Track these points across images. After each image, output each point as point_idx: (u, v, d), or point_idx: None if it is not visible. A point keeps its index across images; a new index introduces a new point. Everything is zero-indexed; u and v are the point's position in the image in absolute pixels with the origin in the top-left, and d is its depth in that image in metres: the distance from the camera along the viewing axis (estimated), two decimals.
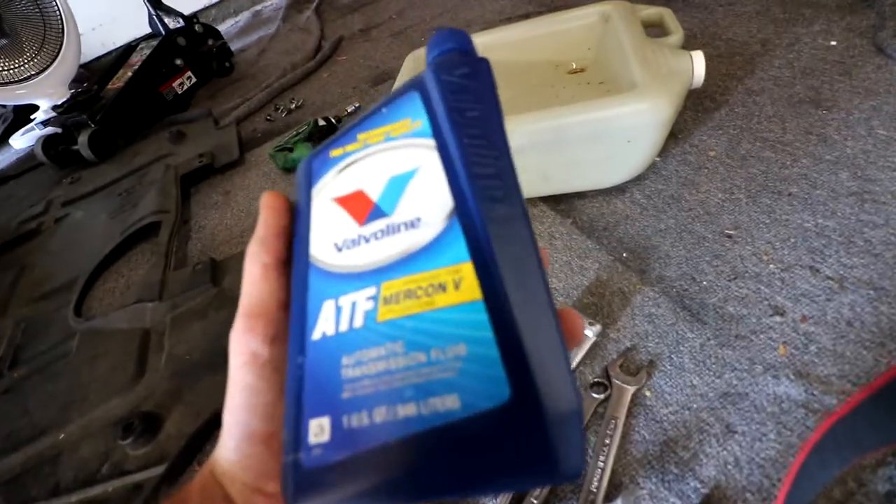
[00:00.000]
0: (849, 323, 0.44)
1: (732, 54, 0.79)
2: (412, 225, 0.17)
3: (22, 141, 1.40)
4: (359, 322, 0.16)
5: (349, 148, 0.20)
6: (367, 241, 0.17)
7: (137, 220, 0.85)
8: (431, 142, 0.18)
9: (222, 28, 1.75)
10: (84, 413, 0.59)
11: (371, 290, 0.16)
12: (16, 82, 1.19)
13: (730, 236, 0.54)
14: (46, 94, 1.27)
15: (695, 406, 0.43)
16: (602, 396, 0.44)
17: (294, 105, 1.09)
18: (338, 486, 0.14)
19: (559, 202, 0.65)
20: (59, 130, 1.21)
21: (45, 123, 1.24)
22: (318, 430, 0.15)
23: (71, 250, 0.90)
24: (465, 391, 0.14)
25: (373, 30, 1.35)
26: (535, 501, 0.39)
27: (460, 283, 0.15)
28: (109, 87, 1.27)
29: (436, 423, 0.14)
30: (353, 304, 0.16)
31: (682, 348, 0.46)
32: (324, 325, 0.16)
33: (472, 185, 0.16)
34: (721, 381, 0.43)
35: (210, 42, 1.38)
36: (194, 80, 1.34)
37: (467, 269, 0.15)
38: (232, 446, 0.17)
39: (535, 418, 0.13)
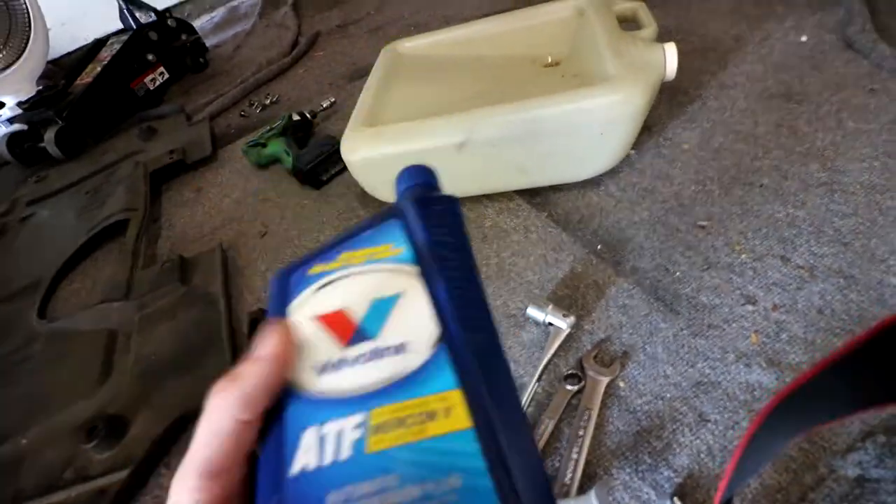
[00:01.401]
0: (819, 311, 0.45)
1: (706, 49, 0.80)
2: (399, 350, 0.17)
3: None
4: (346, 453, 0.15)
5: (329, 266, 0.20)
6: (351, 364, 0.17)
7: (104, 218, 0.83)
8: (414, 269, 0.18)
9: (197, 24, 1.71)
10: (47, 417, 0.57)
11: (358, 418, 0.15)
12: None
13: (703, 227, 0.54)
14: (12, 91, 1.22)
15: (668, 396, 0.42)
16: (576, 388, 0.44)
17: (269, 101, 1.07)
18: None
19: (535, 195, 0.64)
20: (24, 127, 1.16)
21: (10, 120, 1.19)
22: None
23: (36, 251, 0.87)
24: None
25: (350, 26, 1.34)
26: None
27: (450, 411, 0.15)
28: (78, 82, 1.23)
29: None
30: (340, 433, 0.15)
31: (655, 339, 0.46)
32: (304, 457, 0.15)
33: (456, 314, 0.17)
34: (694, 371, 0.43)
35: (184, 37, 1.35)
36: (167, 75, 1.31)
37: (456, 397, 0.15)
38: None
39: None
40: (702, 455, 0.39)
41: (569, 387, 0.44)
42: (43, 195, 1.01)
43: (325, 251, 0.21)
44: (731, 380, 0.42)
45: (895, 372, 0.20)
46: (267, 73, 1.16)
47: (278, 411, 0.16)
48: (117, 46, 1.24)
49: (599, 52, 0.59)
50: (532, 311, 0.49)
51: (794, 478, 0.36)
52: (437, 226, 0.19)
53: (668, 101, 0.72)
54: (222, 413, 0.15)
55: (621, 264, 0.53)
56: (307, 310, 0.19)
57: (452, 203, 0.21)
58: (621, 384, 0.44)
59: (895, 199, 0.51)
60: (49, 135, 1.09)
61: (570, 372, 0.45)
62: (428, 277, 0.18)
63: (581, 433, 0.41)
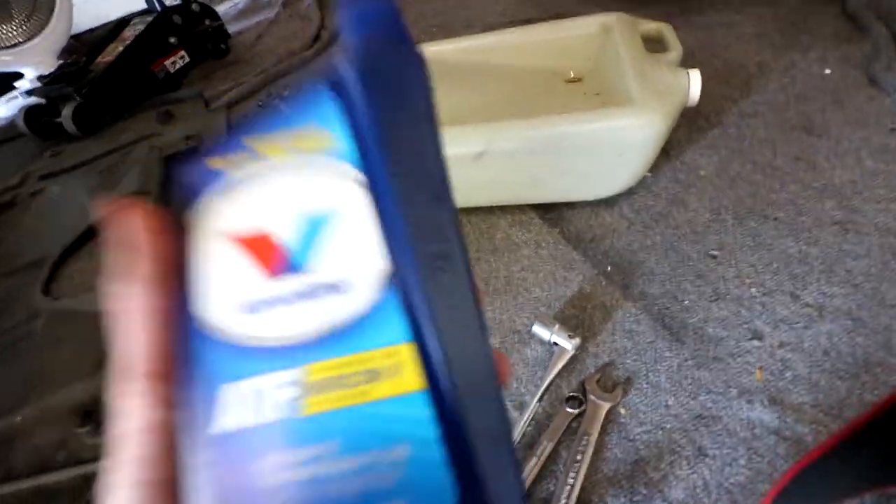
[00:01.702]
0: (825, 352, 0.45)
1: (729, 75, 0.79)
2: (336, 289, 0.13)
3: (3, 109, 1.35)
4: (277, 414, 0.13)
5: (237, 159, 0.14)
6: (280, 304, 0.13)
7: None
8: (355, 173, 0.14)
9: (220, 9, 1.71)
10: (43, 397, 0.57)
11: (292, 373, 0.13)
12: (2, 48, 1.15)
13: (714, 257, 0.54)
14: (33, 63, 1.23)
15: (668, 426, 0.42)
16: (577, 411, 0.44)
17: (287, 93, 1.07)
18: None
19: (548, 210, 0.64)
20: (43, 101, 1.17)
21: (29, 93, 1.20)
22: None
23: (44, 227, 0.87)
24: (409, 499, 0.12)
25: None
26: None
27: (398, 369, 0.13)
28: (99, 60, 1.23)
29: None
30: (269, 391, 0.13)
31: (659, 367, 0.46)
32: (229, 416, 0.13)
33: (412, 244, 0.13)
34: (696, 403, 0.43)
35: (207, 22, 1.35)
36: (188, 59, 1.31)
37: (406, 353, 0.13)
38: None
39: None
40: (697, 490, 0.38)
41: (569, 409, 0.44)
42: (56, 171, 1.01)
43: (230, 136, 0.15)
44: (732, 415, 0.42)
45: None
46: (288, 64, 1.16)
47: (187, 353, 0.13)
48: (141, 27, 1.24)
49: (623, 73, 0.58)
50: (538, 329, 0.49)
51: None
52: (391, 109, 0.13)
53: (688, 126, 0.71)
54: (139, 308, 0.13)
55: (630, 288, 0.53)
56: (215, 223, 0.14)
57: (416, 68, 0.13)
58: (622, 411, 0.44)
59: None
60: (67, 111, 1.10)
61: (571, 394, 0.45)
62: (374, 185, 0.14)
63: (579, 458, 0.41)
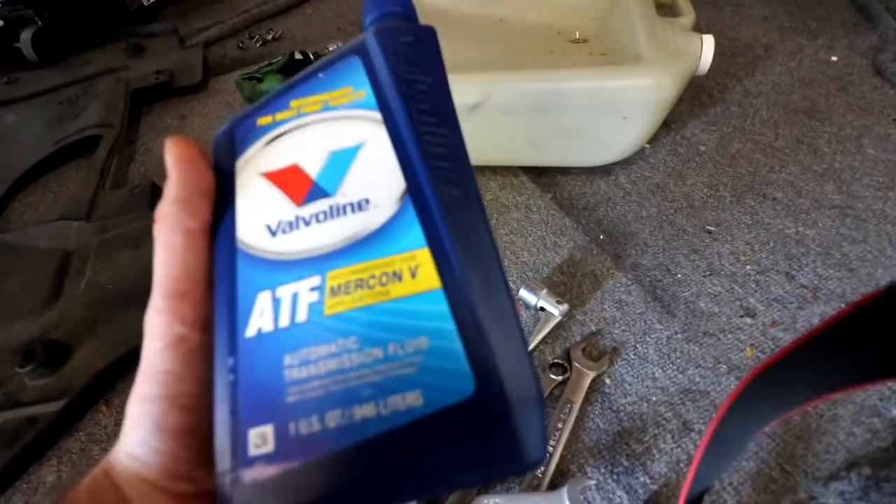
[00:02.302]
0: None
1: (735, 54, 0.77)
2: (359, 207, 0.15)
3: None
4: (302, 316, 0.14)
5: (280, 116, 0.17)
6: (306, 223, 0.15)
7: (75, 131, 0.76)
8: (377, 115, 0.16)
9: None
10: None
11: (315, 280, 0.14)
12: None
13: (710, 232, 0.52)
14: None
15: (654, 399, 0.40)
16: (560, 378, 0.42)
17: (271, 36, 0.99)
18: (292, 498, 0.12)
19: (541, 175, 0.61)
20: (0, 24, 1.06)
21: None
22: (260, 440, 0.13)
23: None
24: (427, 387, 0.13)
25: None
26: None
27: (417, 270, 0.14)
28: None
29: (398, 422, 0.13)
30: (295, 296, 0.14)
31: (648, 338, 0.44)
32: (259, 320, 0.14)
33: (425, 165, 0.15)
34: (683, 377, 0.41)
35: None
36: None
37: (424, 256, 0.14)
38: (138, 440, 0.14)
39: (500, 412, 0.12)
40: (681, 464, 0.37)
41: (553, 376, 0.42)
42: (11, 98, 0.93)
43: (274, 99, 0.18)
44: (720, 391, 0.40)
45: (874, 349, 0.19)
46: (273, 6, 1.08)
47: (230, 273, 0.15)
48: None
49: (633, 33, 0.55)
50: (524, 294, 0.46)
51: (773, 499, 0.35)
52: (405, 62, 0.17)
53: (691, 101, 0.69)
54: (170, 228, 0.15)
55: (622, 258, 0.51)
56: (256, 166, 0.17)
57: (427, 34, 0.18)
58: (607, 381, 0.42)
59: None
60: (25, 35, 1.00)
61: (556, 361, 0.43)
62: (393, 124, 0.16)
63: (560, 426, 0.38)
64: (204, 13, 1.18)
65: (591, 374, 0.41)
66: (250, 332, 0.14)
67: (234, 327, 0.14)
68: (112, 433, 0.44)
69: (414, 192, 0.15)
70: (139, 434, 0.14)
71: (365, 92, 0.17)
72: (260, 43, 0.99)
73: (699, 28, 0.84)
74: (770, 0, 0.89)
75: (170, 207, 0.15)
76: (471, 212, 0.15)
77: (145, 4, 1.17)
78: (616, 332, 0.45)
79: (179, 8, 1.25)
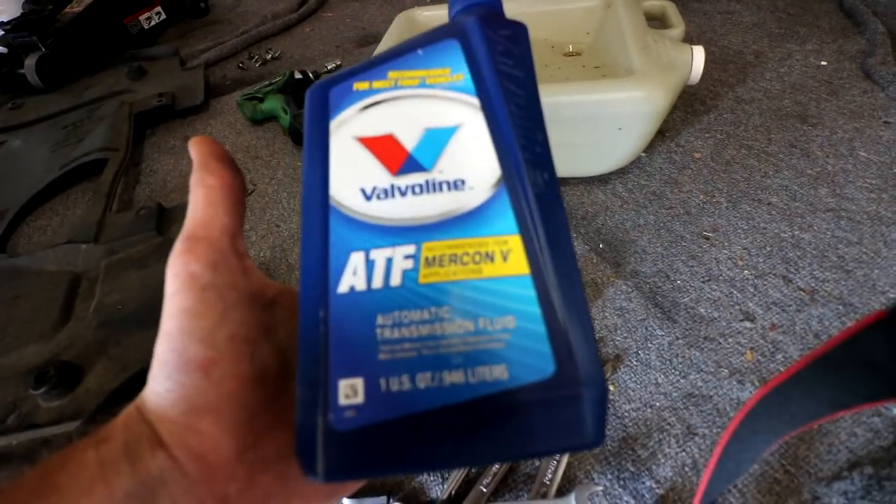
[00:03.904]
0: (816, 335, 0.44)
1: (726, 61, 0.79)
2: (455, 186, 0.16)
3: None
4: (396, 280, 0.15)
5: (377, 84, 0.18)
6: (402, 193, 0.16)
7: (81, 155, 0.77)
8: (475, 100, 0.17)
9: None
10: None
11: (410, 248, 0.15)
12: None
13: (707, 238, 0.53)
14: None
15: (657, 405, 0.41)
16: None
17: (270, 56, 1.01)
18: (377, 450, 0.13)
19: None
20: (4, 50, 1.08)
21: None
22: (350, 391, 0.14)
23: (3, 181, 0.81)
24: (512, 363, 0.14)
25: None
26: (484, 489, 0.37)
27: (508, 255, 0.15)
28: (67, 10, 1.15)
29: (484, 391, 0.13)
30: (389, 261, 0.15)
31: (650, 345, 0.45)
32: (352, 278, 0.15)
33: (521, 157, 0.16)
34: (686, 382, 0.42)
35: None
36: (164, 16, 1.24)
37: (515, 242, 0.15)
38: (164, 375, 0.15)
39: (574, 393, 0.13)
40: (686, 468, 0.37)
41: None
42: (17, 124, 0.94)
43: (371, 67, 0.18)
44: (722, 395, 0.41)
45: (873, 371, 0.19)
46: (271, 26, 1.11)
47: (322, 228, 0.16)
48: None
49: (625, 46, 0.56)
50: None
51: (778, 500, 0.35)
52: (503, 53, 0.17)
53: (684, 108, 0.70)
54: (195, 187, 0.17)
55: (622, 266, 0.52)
56: (351, 128, 0.17)
57: (521, 30, 0.18)
58: (611, 388, 0.42)
59: None
60: (30, 61, 1.02)
61: None
62: (492, 112, 0.17)
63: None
64: (204, 35, 1.21)
65: None
66: (342, 288, 0.15)
67: (326, 282, 0.15)
68: None
69: (509, 180, 0.16)
70: (164, 370, 0.15)
71: (463, 76, 0.17)
72: (260, 63, 1.01)
73: (690, 37, 0.86)
74: (759, 7, 0.91)
75: (194, 173, 0.17)
76: (556, 206, 0.16)
77: (146, 28, 1.20)
78: (618, 339, 0.46)
79: (180, 30, 1.27)
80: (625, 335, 0.46)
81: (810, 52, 0.78)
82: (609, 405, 0.41)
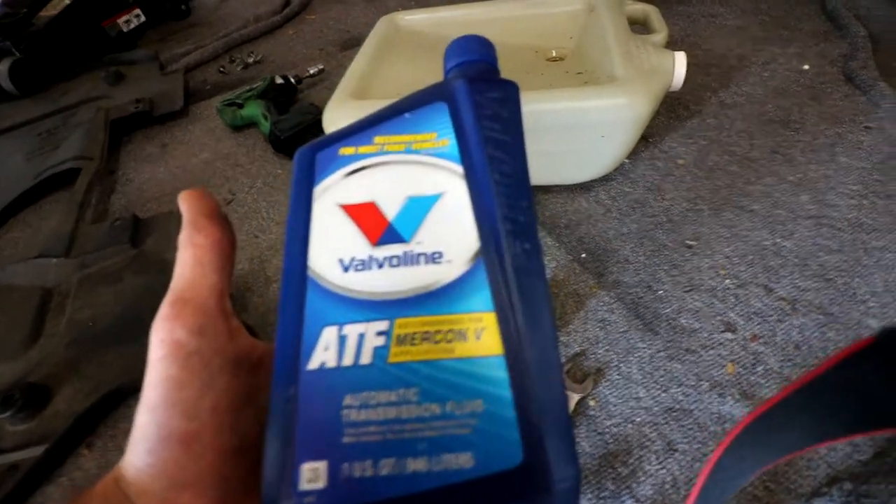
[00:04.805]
0: (797, 346, 0.44)
1: (710, 65, 0.78)
2: (433, 258, 0.15)
3: None
4: (367, 358, 0.14)
5: (363, 150, 0.18)
6: (379, 265, 0.16)
7: (55, 164, 0.75)
8: (459, 168, 0.17)
9: None
10: None
11: (383, 325, 0.15)
12: None
13: (690, 247, 0.53)
14: None
15: (638, 420, 0.41)
16: None
17: (252, 59, 1.00)
18: None
19: None
20: None
21: None
22: (313, 475, 0.13)
23: None
24: (479, 450, 0.13)
25: None
26: None
27: (482, 333, 0.14)
28: (43, 14, 1.13)
29: (447, 481, 0.13)
30: (361, 337, 0.15)
31: (631, 358, 0.44)
32: (323, 354, 0.15)
33: (501, 230, 0.15)
34: (667, 396, 0.42)
35: None
36: (143, 19, 1.22)
37: (490, 320, 0.14)
38: (145, 449, 0.15)
39: (542, 486, 0.13)
40: (666, 486, 0.37)
41: None
42: None
43: (358, 131, 0.18)
44: (703, 409, 0.41)
45: (860, 401, 0.19)
46: (254, 29, 1.09)
47: (298, 300, 0.15)
48: None
49: (607, 52, 0.56)
50: None
51: None
52: (490, 118, 0.17)
53: (668, 113, 0.70)
54: (183, 247, 0.17)
55: (604, 276, 0.51)
56: (334, 195, 0.17)
57: (511, 91, 0.18)
58: (592, 403, 0.42)
59: (881, 239, 0.51)
60: (3, 67, 1.00)
61: None
62: (474, 182, 0.16)
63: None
64: (184, 38, 1.19)
65: (576, 398, 0.41)
66: (313, 364, 0.14)
67: (297, 357, 0.15)
68: (96, 476, 0.43)
69: (487, 253, 0.15)
70: (145, 443, 0.15)
71: (449, 141, 0.17)
72: (241, 66, 0.99)
73: (674, 40, 0.85)
74: (743, 11, 0.90)
75: (183, 232, 0.17)
76: (536, 279, 0.15)
77: (125, 31, 1.18)
78: (600, 352, 0.45)
79: (160, 33, 1.25)
80: (606, 348, 0.45)
81: (793, 55, 0.78)
82: (590, 421, 0.41)
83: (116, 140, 0.84)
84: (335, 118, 0.55)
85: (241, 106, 0.78)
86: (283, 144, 0.70)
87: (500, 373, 0.14)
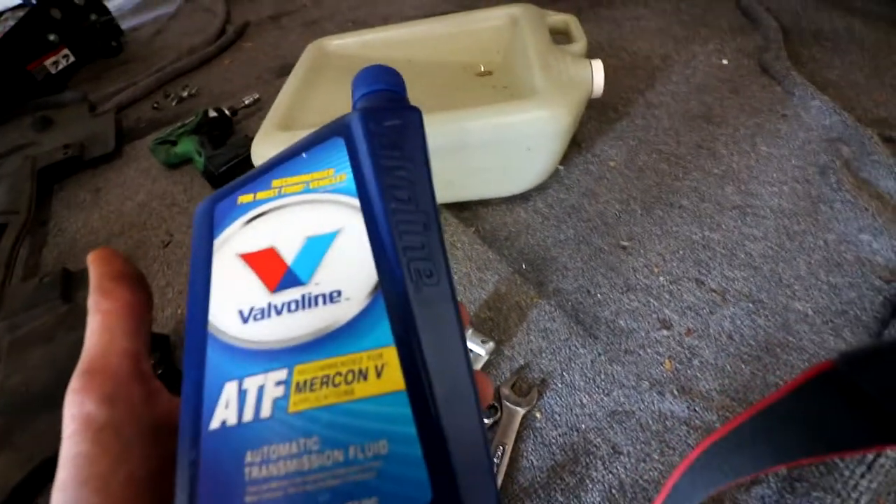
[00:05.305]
0: (729, 336, 0.45)
1: (635, 67, 0.81)
2: (331, 298, 0.15)
3: None
4: (267, 411, 0.14)
5: (261, 195, 0.17)
6: (278, 312, 0.15)
7: None
8: (355, 201, 0.16)
9: (116, 3, 1.56)
10: None
11: (282, 374, 0.14)
12: None
13: (624, 248, 0.54)
14: None
15: (583, 427, 0.41)
16: (492, 420, 0.42)
17: (187, 93, 0.98)
18: None
19: (463, 209, 0.62)
20: None
21: None
22: None
23: None
24: (384, 495, 0.13)
25: (283, 17, 1.26)
26: None
27: (383, 370, 0.14)
28: None
29: None
30: (261, 389, 0.14)
31: (573, 365, 0.45)
32: (224, 412, 0.14)
33: (398, 259, 0.15)
34: (609, 399, 0.42)
35: (93, 17, 1.22)
36: (73, 59, 1.18)
37: (391, 355, 0.14)
38: None
39: None
40: (613, 491, 0.38)
41: (484, 419, 0.42)
42: None
43: (257, 176, 0.18)
44: (644, 409, 0.42)
45: (817, 427, 0.19)
46: (188, 62, 1.07)
47: (200, 359, 0.15)
48: (12, 23, 1.10)
49: (529, 65, 0.57)
50: None
51: None
52: (387, 147, 0.17)
53: (598, 118, 0.72)
54: (91, 315, 0.16)
55: (544, 285, 0.52)
56: (234, 245, 0.17)
57: (412, 118, 0.18)
58: (538, 415, 0.42)
59: (801, 224, 0.53)
60: None
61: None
62: (370, 212, 0.16)
63: (494, 471, 0.38)
64: (117, 75, 1.15)
65: (521, 412, 0.42)
66: (214, 424, 0.14)
67: (199, 417, 0.14)
68: None
69: (386, 285, 0.15)
70: None
71: (346, 175, 0.17)
72: (176, 101, 0.97)
73: (601, 45, 0.88)
74: (664, 12, 0.94)
75: (90, 296, 0.17)
76: (442, 307, 0.15)
77: (53, 73, 1.14)
78: (543, 362, 0.46)
79: (92, 71, 1.21)
80: (549, 357, 0.46)
81: (712, 51, 0.81)
82: (537, 434, 0.41)
83: (48, 189, 0.80)
84: (262, 151, 0.55)
85: (174, 143, 0.76)
86: (219, 180, 0.69)
87: (404, 409, 0.13)
